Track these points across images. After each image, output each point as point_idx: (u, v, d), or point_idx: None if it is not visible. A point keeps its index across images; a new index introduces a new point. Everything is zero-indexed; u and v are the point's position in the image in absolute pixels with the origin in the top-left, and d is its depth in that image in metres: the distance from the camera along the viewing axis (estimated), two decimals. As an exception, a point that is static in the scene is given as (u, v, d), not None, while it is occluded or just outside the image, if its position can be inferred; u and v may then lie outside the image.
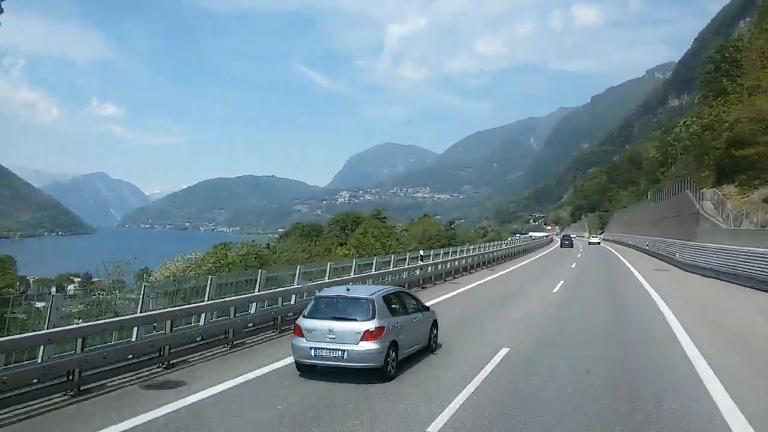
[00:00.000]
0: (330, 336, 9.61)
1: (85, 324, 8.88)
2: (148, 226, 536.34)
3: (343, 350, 9.50)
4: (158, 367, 10.42)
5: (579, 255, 53.71)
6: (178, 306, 11.11)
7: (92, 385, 9.08)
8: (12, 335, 7.94)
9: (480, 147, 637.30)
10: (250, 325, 13.60)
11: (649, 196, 79.10)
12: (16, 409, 7.96)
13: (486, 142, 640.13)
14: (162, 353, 10.53)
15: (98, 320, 9.14)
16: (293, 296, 15.32)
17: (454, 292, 23.27)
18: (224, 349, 12.28)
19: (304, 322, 9.98)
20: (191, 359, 11.26)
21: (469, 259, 35.20)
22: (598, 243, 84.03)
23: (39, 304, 12.74)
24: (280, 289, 15.13)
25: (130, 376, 9.86)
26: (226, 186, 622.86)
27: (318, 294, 11.41)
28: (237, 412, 8.03)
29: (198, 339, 11.78)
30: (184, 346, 11.33)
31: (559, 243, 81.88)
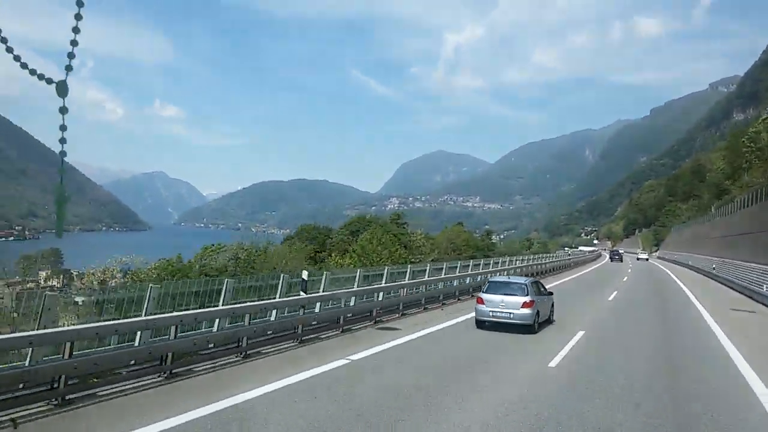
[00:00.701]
0: (502, 304, 15.63)
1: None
2: (202, 225, 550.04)
3: (510, 312, 15.47)
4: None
5: (625, 278, 43.33)
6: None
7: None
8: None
9: (533, 157, 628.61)
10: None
11: (713, 210, 71.49)
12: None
13: (539, 153, 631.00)
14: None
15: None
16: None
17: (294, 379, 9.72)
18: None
19: (484, 296, 16.16)
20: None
21: (438, 285, 22.23)
22: (646, 259, 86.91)
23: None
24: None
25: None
26: (279, 189, 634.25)
27: (490, 279, 18.61)
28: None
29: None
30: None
31: (608, 258, 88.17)
